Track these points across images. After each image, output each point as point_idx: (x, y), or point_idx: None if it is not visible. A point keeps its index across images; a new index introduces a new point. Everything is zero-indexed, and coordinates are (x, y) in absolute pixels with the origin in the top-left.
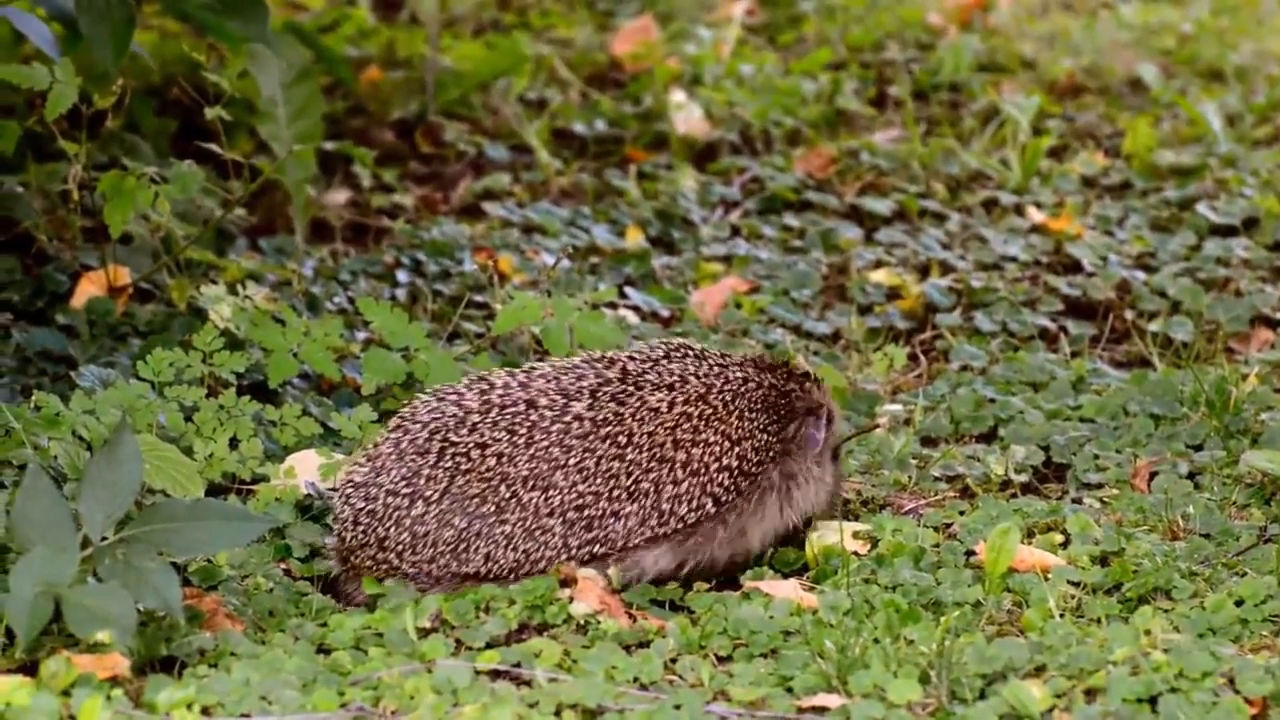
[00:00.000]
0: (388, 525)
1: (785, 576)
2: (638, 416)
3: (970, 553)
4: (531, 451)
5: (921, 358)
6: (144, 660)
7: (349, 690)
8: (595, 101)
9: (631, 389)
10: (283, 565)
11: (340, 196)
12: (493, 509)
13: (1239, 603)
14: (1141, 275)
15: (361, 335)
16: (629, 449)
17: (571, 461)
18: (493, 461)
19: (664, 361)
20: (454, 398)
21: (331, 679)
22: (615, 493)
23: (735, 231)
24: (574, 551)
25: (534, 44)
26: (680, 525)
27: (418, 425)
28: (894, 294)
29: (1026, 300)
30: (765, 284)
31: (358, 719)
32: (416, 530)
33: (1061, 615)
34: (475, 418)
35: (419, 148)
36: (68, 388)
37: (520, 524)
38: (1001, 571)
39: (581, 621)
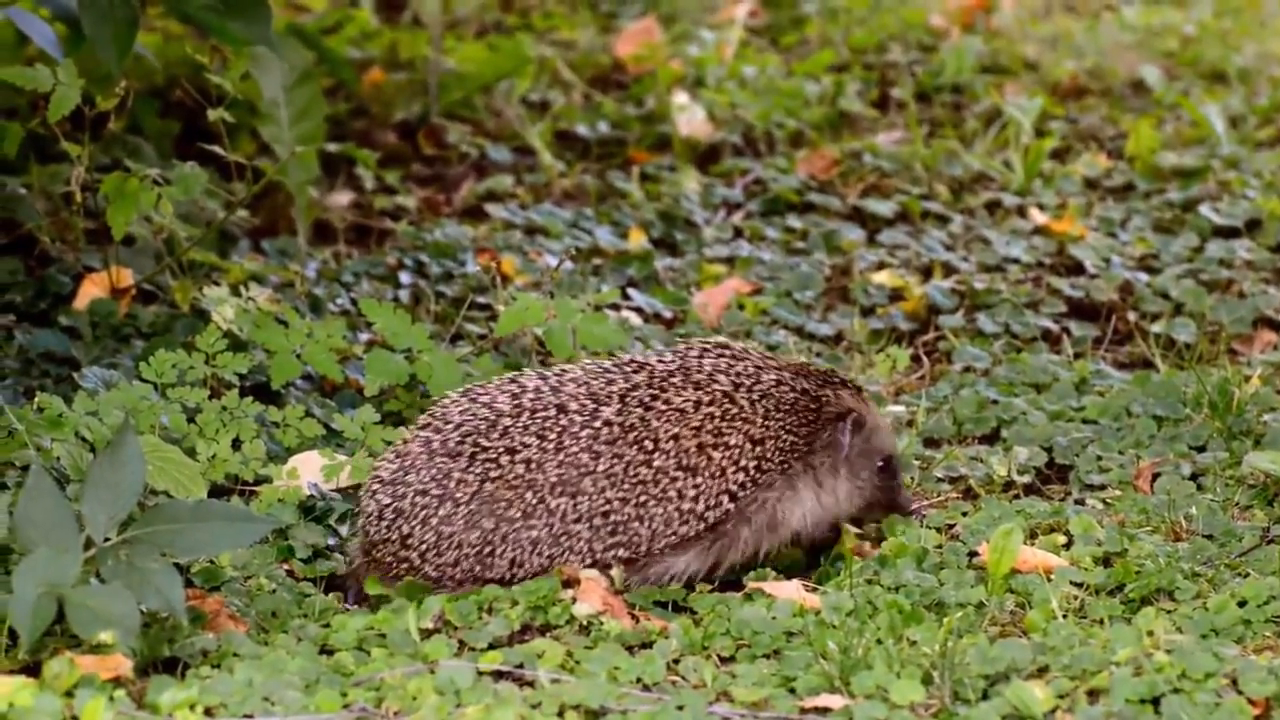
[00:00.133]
0: (413, 523)
1: (788, 577)
2: (664, 418)
3: (973, 553)
4: (561, 457)
5: (924, 359)
6: (147, 661)
7: (352, 691)
8: (598, 103)
9: (658, 391)
10: (285, 566)
11: (343, 198)
12: (519, 514)
13: (1242, 604)
14: (1144, 277)
15: (364, 336)
16: (656, 454)
17: (600, 467)
18: (521, 469)
19: (696, 360)
20: (485, 399)
21: (334, 680)
22: (642, 498)
23: (738, 233)
24: (599, 556)
25: (537, 46)
26: (702, 526)
27: (449, 426)
28: (897, 295)
29: (1029, 302)
30: (768, 285)
31: (360, 719)
32: (442, 530)
33: (1064, 616)
34: (506, 421)
35: (421, 149)
36: (71, 389)
37: (547, 529)
38: (1004, 572)
39: (584, 622)
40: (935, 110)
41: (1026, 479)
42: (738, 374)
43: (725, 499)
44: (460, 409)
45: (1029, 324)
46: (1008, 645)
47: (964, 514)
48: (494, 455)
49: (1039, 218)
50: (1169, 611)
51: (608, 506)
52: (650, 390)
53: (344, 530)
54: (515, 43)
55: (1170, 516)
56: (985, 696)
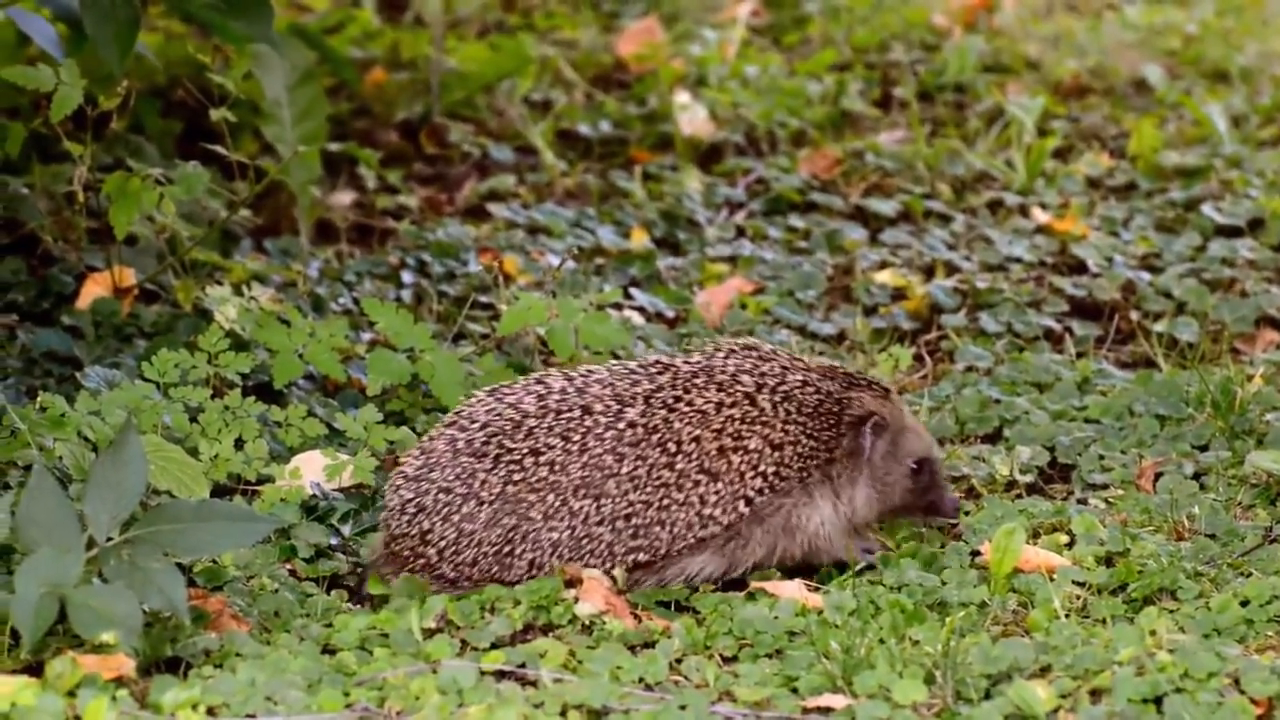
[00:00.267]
0: (434, 519)
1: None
2: (686, 419)
3: (975, 553)
4: (585, 459)
5: (927, 358)
6: (149, 661)
7: (354, 691)
8: (600, 103)
9: (681, 392)
10: (288, 566)
11: (345, 198)
12: (541, 516)
13: (1244, 603)
14: (1146, 276)
15: (366, 336)
16: (678, 456)
17: (624, 469)
18: (545, 471)
19: (723, 361)
20: (512, 399)
21: (337, 679)
22: (664, 500)
23: (740, 232)
24: (619, 559)
25: (539, 45)
26: (718, 528)
27: (475, 425)
28: (899, 295)
29: (1031, 301)
30: (770, 285)
31: (363, 719)
32: (464, 528)
33: (1067, 616)
34: (531, 421)
35: (424, 149)
36: (73, 389)
37: (569, 531)
38: (1007, 572)
39: (587, 622)
40: (937, 109)
41: (1029, 478)
42: (762, 374)
43: (741, 504)
44: (486, 408)
45: (1031, 323)
46: (1010, 645)
47: (966, 513)
48: (518, 457)
49: (1041, 217)
50: (1171, 611)
51: (630, 509)
52: (674, 391)
53: (346, 530)
54: (517, 42)
55: (1173, 516)
56: (988, 696)
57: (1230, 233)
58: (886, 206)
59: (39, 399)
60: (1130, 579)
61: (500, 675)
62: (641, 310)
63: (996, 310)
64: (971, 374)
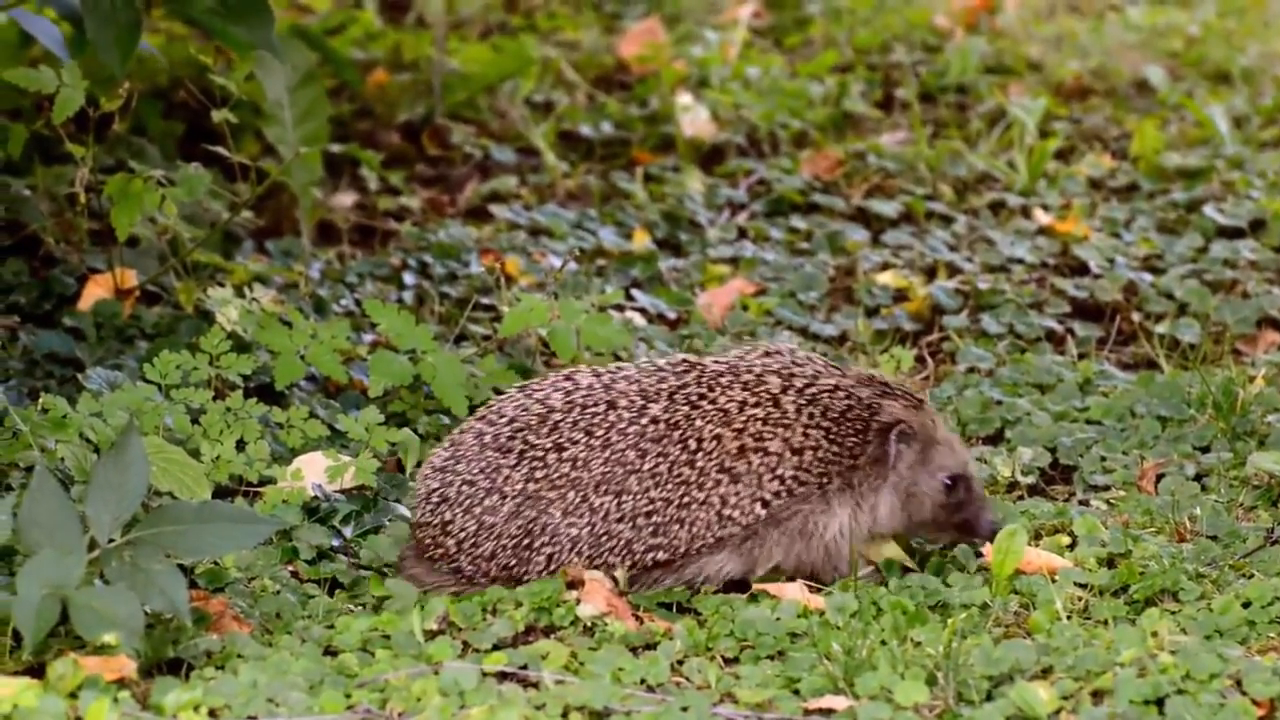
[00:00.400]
0: (456, 510)
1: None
2: (709, 417)
3: (977, 554)
4: (607, 454)
5: (928, 360)
6: (151, 662)
7: (356, 692)
8: (602, 104)
9: (706, 390)
10: (290, 567)
11: (347, 199)
12: (561, 514)
13: (1246, 604)
14: (1148, 277)
15: (368, 337)
16: (699, 454)
17: (646, 466)
18: (567, 468)
19: (753, 361)
20: (540, 394)
21: (338, 681)
22: (685, 499)
23: (742, 234)
24: (637, 557)
25: (541, 46)
26: (736, 529)
27: (502, 420)
28: (901, 296)
29: (1033, 302)
30: (772, 286)
31: None
32: (484, 520)
33: (1068, 617)
34: (557, 416)
35: (426, 150)
36: (75, 390)
37: (589, 529)
38: (1008, 573)
39: (588, 623)
40: (939, 111)
41: (1031, 480)
42: (791, 375)
43: (759, 506)
44: (515, 404)
45: (1033, 324)
46: (1012, 646)
47: None
48: (541, 453)
49: (1043, 218)
50: (1173, 612)
51: (651, 506)
52: (699, 389)
53: (348, 532)
54: (519, 43)
55: (1174, 517)
56: (989, 698)
57: (1232, 234)
58: (888, 208)
59: (41, 400)
60: (1132, 580)
61: (502, 676)
62: (643, 312)
63: (998, 311)
64: (973, 375)
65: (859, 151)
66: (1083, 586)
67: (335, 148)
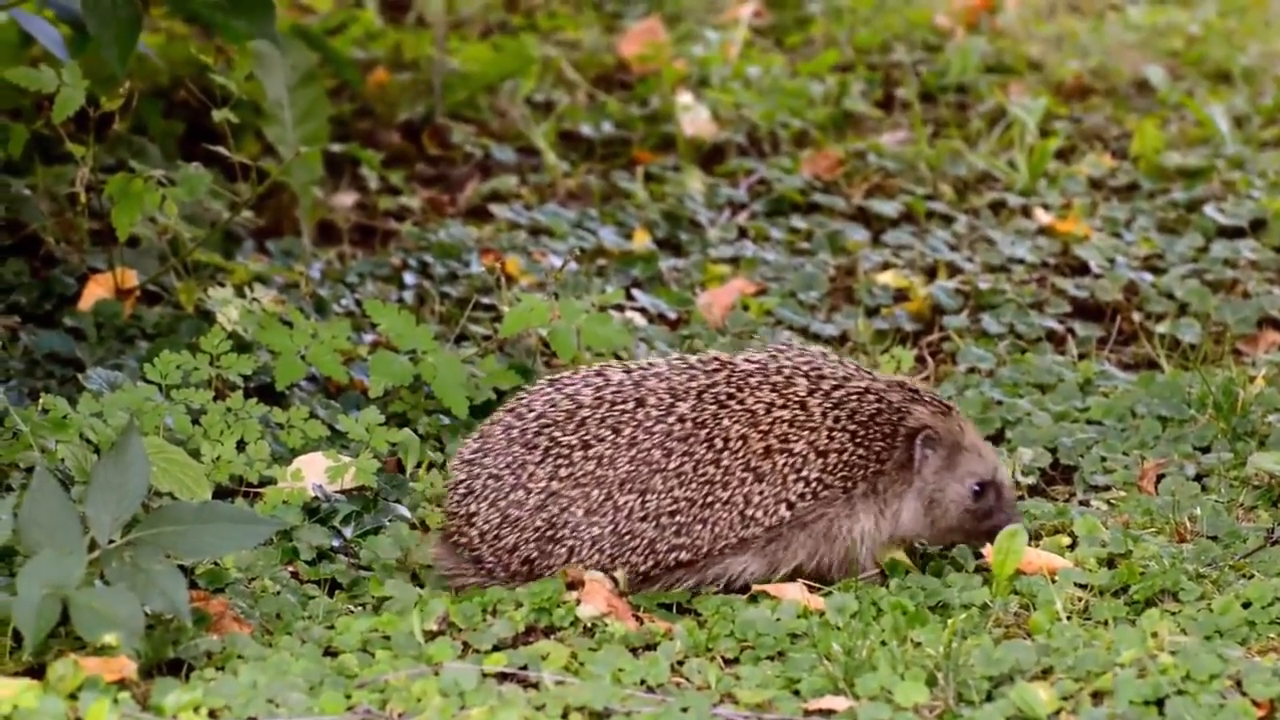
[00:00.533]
0: (481, 503)
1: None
2: (735, 417)
3: (978, 554)
4: (633, 453)
5: (929, 360)
6: (151, 663)
7: (356, 693)
8: (602, 103)
9: (734, 390)
10: (290, 568)
11: (347, 199)
12: (583, 511)
13: (1246, 605)
14: (1149, 277)
15: (369, 337)
16: (724, 454)
17: (671, 465)
18: (592, 466)
19: (783, 361)
20: (570, 390)
21: (338, 681)
22: (709, 498)
23: (742, 233)
24: (660, 557)
25: (541, 46)
26: (760, 530)
27: (530, 414)
28: (901, 296)
29: (1034, 302)
30: (772, 286)
31: None
32: (509, 514)
33: (1069, 617)
34: (584, 413)
35: (426, 150)
36: (75, 390)
37: (612, 527)
38: (1009, 574)
39: (589, 624)
40: (940, 110)
41: (1031, 480)
42: (820, 376)
43: (783, 507)
44: (544, 398)
45: (1033, 324)
46: (1012, 647)
47: None
48: (566, 450)
49: (1043, 218)
50: (1173, 613)
51: (675, 505)
52: (727, 389)
53: (348, 532)
54: (520, 43)
55: (1175, 518)
56: (989, 698)
57: (1232, 234)
58: (889, 207)
59: (41, 401)
60: (1132, 581)
61: (502, 677)
62: (643, 311)
63: (999, 311)
64: (974, 375)
65: (859, 151)
66: (1083, 587)
67: (336, 147)
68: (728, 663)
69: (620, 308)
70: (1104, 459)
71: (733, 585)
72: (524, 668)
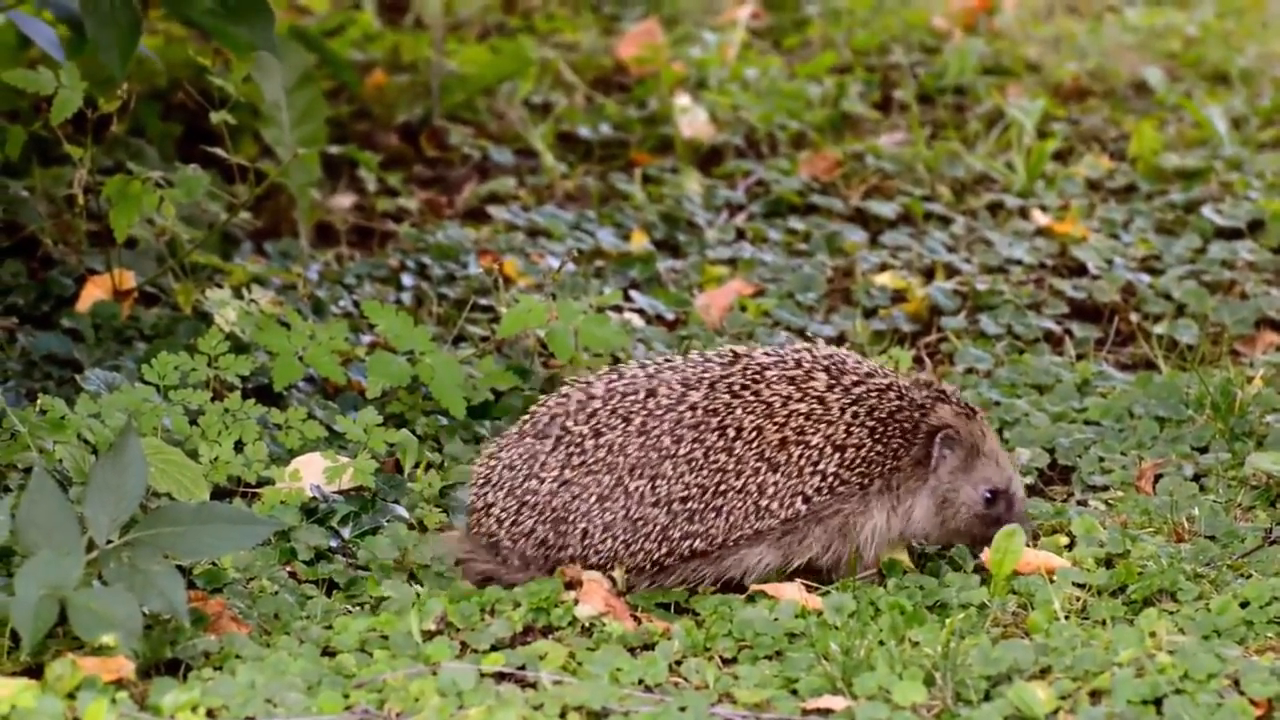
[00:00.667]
0: (499, 493)
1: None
2: (750, 409)
3: (975, 554)
4: (643, 440)
5: (927, 360)
6: (149, 663)
7: (354, 692)
8: (600, 105)
9: (750, 382)
10: (288, 568)
11: (345, 200)
12: (595, 497)
13: (1244, 604)
14: (1146, 278)
15: (366, 338)
16: (737, 442)
17: (681, 451)
18: (604, 453)
19: (803, 356)
20: (583, 385)
21: (336, 681)
22: (721, 487)
23: (740, 235)
24: (674, 544)
25: (539, 47)
26: (775, 522)
27: (543, 409)
28: (899, 297)
29: (1031, 303)
30: (770, 287)
31: None
32: (526, 500)
33: (1066, 617)
34: (596, 403)
35: (424, 151)
36: (73, 391)
37: (624, 512)
38: (1007, 573)
39: (587, 624)
40: (937, 112)
41: (1029, 480)
42: (841, 371)
43: (799, 500)
44: (559, 394)
45: (1031, 325)
46: (1010, 646)
47: None
48: (579, 440)
49: (1041, 219)
50: (1171, 613)
51: (686, 492)
52: (743, 380)
53: (346, 532)
54: (517, 45)
55: (1172, 518)
56: (987, 697)
57: (1230, 235)
58: (886, 209)
59: (39, 402)
60: (1130, 580)
61: (500, 677)
62: (641, 312)
63: (996, 312)
64: (971, 376)
65: (857, 152)
66: (1081, 586)
67: (333, 149)
68: (726, 662)
69: (618, 309)
70: (1102, 459)
71: (749, 577)
72: (522, 667)
